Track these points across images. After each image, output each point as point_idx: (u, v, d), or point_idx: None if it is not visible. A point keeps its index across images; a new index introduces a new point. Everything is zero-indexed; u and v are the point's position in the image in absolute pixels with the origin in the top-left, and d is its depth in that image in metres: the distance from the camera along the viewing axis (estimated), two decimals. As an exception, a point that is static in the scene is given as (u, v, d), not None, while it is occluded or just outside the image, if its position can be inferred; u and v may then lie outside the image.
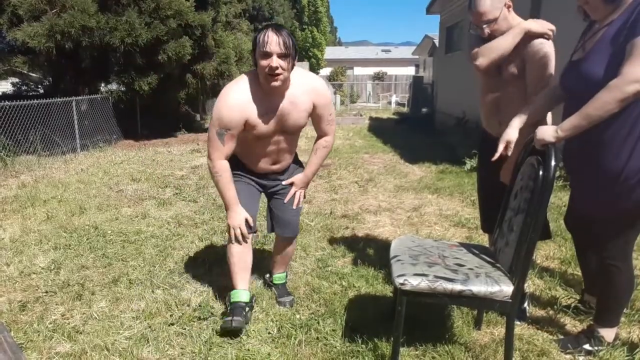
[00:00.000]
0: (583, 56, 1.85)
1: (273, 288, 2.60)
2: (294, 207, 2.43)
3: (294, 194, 2.43)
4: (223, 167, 2.18)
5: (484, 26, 2.11)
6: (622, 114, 1.68)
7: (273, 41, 1.97)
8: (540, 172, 1.69)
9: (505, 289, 1.71)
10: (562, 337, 2.12)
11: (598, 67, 1.74)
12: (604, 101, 1.65)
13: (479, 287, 1.71)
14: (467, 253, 2.03)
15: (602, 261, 1.93)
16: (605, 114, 1.66)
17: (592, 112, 1.68)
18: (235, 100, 2.09)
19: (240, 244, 2.28)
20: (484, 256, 1.99)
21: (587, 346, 1.98)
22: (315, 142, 2.44)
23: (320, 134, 2.40)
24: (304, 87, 2.19)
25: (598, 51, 1.77)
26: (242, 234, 2.25)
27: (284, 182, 2.43)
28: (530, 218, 1.70)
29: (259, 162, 2.33)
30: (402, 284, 1.75)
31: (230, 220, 2.25)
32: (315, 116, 2.29)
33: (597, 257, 1.98)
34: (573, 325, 2.24)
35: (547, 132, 1.78)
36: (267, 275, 2.72)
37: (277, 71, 1.99)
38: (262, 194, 2.49)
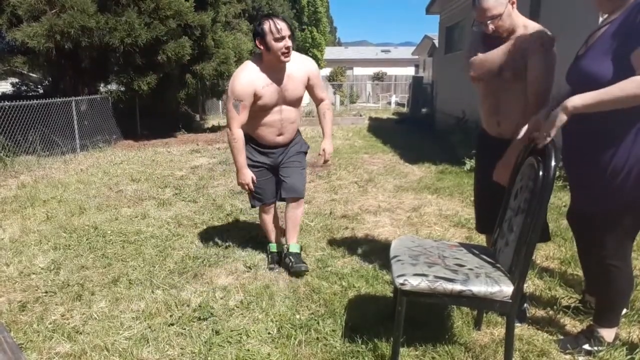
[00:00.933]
0: (583, 52, 1.85)
1: (290, 257, 2.86)
2: (325, 159, 2.93)
3: (325, 154, 2.93)
4: (239, 135, 2.68)
5: (488, 22, 2.10)
6: (617, 111, 1.68)
7: (284, 27, 2.53)
8: (540, 173, 1.69)
9: (505, 289, 1.71)
10: (562, 337, 2.12)
11: (595, 63, 1.74)
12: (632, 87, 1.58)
13: (479, 288, 1.71)
14: (467, 253, 2.03)
15: (601, 260, 1.93)
16: (627, 99, 1.60)
17: (616, 93, 1.61)
18: (244, 76, 2.62)
19: (261, 201, 2.91)
20: (483, 256, 1.99)
21: (586, 346, 1.98)
22: (318, 108, 2.95)
23: (319, 100, 2.93)
24: (299, 65, 2.73)
25: (597, 48, 1.77)
26: (249, 188, 2.82)
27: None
28: (530, 218, 1.70)
29: (266, 135, 2.79)
30: (402, 284, 1.75)
31: (240, 180, 2.80)
32: (311, 86, 2.83)
33: (597, 256, 1.98)
34: (573, 325, 2.24)
35: (557, 114, 1.71)
36: (284, 246, 3.02)
37: (290, 49, 2.55)
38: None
